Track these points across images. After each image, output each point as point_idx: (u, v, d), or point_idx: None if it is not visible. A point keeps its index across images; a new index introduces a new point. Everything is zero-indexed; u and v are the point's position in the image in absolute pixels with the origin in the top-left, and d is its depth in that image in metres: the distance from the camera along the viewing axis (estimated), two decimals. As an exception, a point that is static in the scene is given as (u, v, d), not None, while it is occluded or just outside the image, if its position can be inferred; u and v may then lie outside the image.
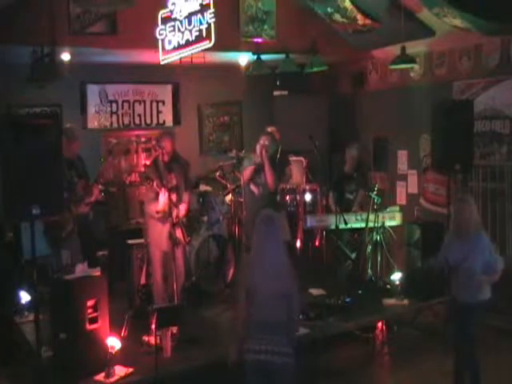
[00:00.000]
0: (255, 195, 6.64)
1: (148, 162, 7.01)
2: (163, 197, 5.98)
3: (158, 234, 6.23)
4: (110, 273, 5.85)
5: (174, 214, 6.05)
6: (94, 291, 5.21)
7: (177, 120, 9.21)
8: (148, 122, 9.02)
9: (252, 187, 6.63)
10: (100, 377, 5.04)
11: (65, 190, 6.11)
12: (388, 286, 7.10)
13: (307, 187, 7.96)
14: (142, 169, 8.30)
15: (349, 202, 7.53)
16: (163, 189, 5.97)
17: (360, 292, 6.97)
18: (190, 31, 6.65)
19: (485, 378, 4.93)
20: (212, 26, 6.53)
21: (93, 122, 8.55)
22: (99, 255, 6.98)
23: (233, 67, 8.47)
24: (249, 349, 4.03)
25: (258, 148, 6.56)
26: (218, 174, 8.02)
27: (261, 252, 4.12)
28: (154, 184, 6.00)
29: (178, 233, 6.17)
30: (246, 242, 6.30)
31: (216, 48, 6.68)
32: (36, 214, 4.53)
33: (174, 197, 6.12)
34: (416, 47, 7.54)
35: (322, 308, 6.33)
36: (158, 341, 5.17)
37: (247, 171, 6.56)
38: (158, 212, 6.12)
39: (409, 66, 7.49)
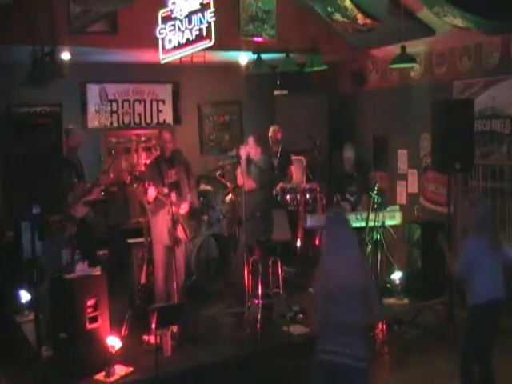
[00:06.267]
0: (248, 191, 6.55)
1: (148, 162, 7.04)
2: (151, 189, 6.00)
3: (160, 229, 6.22)
4: (110, 272, 5.85)
5: (174, 210, 6.05)
6: (94, 290, 5.23)
7: (177, 119, 9.20)
8: (148, 121, 9.02)
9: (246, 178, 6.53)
10: (100, 376, 5.06)
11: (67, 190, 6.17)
12: (388, 286, 7.11)
13: (307, 186, 7.95)
14: (143, 168, 8.32)
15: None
16: (152, 184, 6.00)
17: (360, 291, 6.97)
18: (191, 30, 6.66)
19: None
20: (212, 25, 6.53)
21: (93, 122, 8.56)
22: (99, 254, 6.99)
23: (233, 66, 8.47)
24: (323, 349, 3.91)
25: (242, 151, 6.46)
26: (218, 173, 8.02)
27: (336, 251, 3.97)
28: (145, 184, 6.04)
29: (180, 231, 6.18)
30: (247, 240, 6.27)
31: (216, 47, 6.68)
32: (36, 213, 4.53)
33: (173, 194, 6.13)
34: (416, 47, 7.53)
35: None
36: (158, 340, 5.18)
37: (239, 174, 6.55)
38: (149, 202, 6.14)
39: (409, 65, 7.47)
